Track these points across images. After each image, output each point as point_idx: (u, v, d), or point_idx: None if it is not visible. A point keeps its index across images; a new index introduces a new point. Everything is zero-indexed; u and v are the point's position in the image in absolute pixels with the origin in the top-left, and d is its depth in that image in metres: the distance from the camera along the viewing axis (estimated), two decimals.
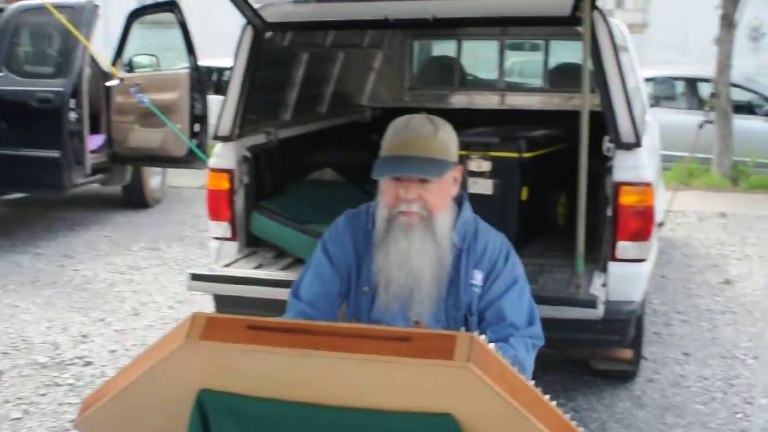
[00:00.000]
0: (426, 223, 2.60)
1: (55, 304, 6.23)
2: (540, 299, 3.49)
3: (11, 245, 7.89)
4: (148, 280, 6.89)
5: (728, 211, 9.71)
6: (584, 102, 3.67)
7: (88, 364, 5.10)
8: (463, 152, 4.36)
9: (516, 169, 4.36)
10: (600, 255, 3.95)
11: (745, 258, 7.66)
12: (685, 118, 12.22)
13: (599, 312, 3.55)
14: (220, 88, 13.74)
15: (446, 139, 2.63)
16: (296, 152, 5.06)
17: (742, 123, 12.15)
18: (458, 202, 2.79)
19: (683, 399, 4.59)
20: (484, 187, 4.34)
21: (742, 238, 8.44)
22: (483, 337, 1.89)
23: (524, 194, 4.40)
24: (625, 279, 3.91)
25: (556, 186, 4.79)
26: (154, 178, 9.79)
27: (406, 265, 2.60)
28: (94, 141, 8.37)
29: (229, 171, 4.27)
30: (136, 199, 9.53)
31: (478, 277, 2.70)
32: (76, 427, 2.30)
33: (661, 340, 5.48)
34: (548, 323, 3.58)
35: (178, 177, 10.63)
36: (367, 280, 2.70)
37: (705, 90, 12.94)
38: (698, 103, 13.08)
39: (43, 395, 4.63)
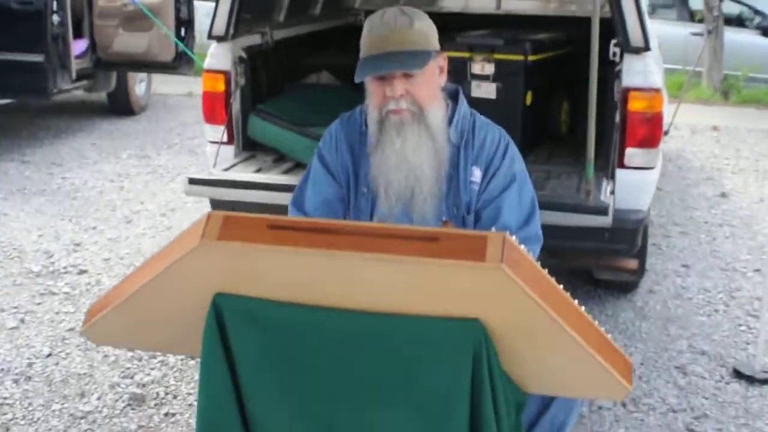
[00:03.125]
0: (418, 117, 2.51)
1: (45, 213, 6.11)
2: (549, 205, 3.46)
3: None
4: (138, 188, 6.76)
5: (720, 125, 9.62)
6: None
7: (83, 272, 5.01)
8: (467, 54, 4.25)
9: (520, 72, 4.22)
10: (607, 162, 3.85)
11: (740, 171, 7.60)
12: (674, 30, 12.08)
13: (609, 219, 3.47)
14: None
15: (424, 28, 2.53)
16: (292, 54, 4.90)
17: (732, 36, 12.00)
18: (453, 96, 2.70)
19: (685, 311, 4.57)
20: (487, 90, 4.20)
21: (735, 151, 8.38)
22: (515, 237, 1.80)
23: (528, 99, 4.27)
24: (633, 187, 3.83)
25: (559, 92, 4.66)
26: (140, 85, 9.58)
27: (403, 164, 2.52)
28: (77, 46, 8.13)
29: (224, 72, 4.12)
30: (121, 106, 9.32)
31: (476, 174, 2.62)
32: (82, 335, 2.21)
33: (661, 252, 5.43)
34: (555, 231, 3.53)
35: (162, 84, 10.42)
36: (366, 182, 2.63)
37: (694, 1, 12.73)
38: (689, 15, 12.89)
39: (38, 304, 4.55)
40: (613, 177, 3.83)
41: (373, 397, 1.92)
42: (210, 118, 4.18)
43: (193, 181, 3.81)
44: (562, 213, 3.47)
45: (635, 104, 3.76)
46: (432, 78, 2.55)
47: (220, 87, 4.12)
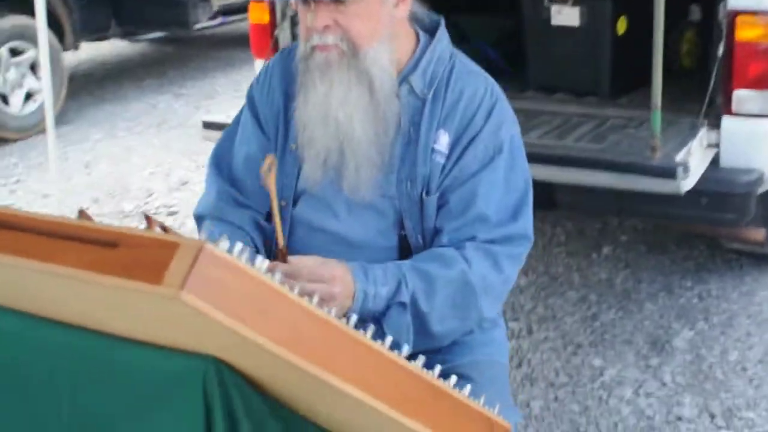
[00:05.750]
0: (348, 60, 1.82)
1: (171, 148, 5.93)
2: (597, 163, 2.74)
3: (157, 85, 7.67)
4: None
5: None
6: None
7: (172, 213, 4.77)
8: None
9: None
10: (710, 108, 3.01)
11: None
12: None
13: (679, 183, 2.66)
14: None
15: None
16: None
17: None
18: (430, 30, 1.99)
19: None
20: (569, 17, 3.37)
21: None
22: (224, 244, 1.18)
23: (621, 27, 3.41)
24: (744, 140, 2.98)
25: (678, 16, 3.73)
26: None
27: (330, 119, 1.85)
28: None
29: (269, 1, 3.61)
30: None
31: (443, 140, 1.89)
32: None
33: None
34: (623, 195, 2.81)
35: None
36: (295, 136, 1.98)
37: None
38: None
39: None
40: (717, 127, 2.99)
41: None
42: (258, 51, 3.70)
43: (208, 125, 3.36)
44: (617, 174, 2.70)
45: (746, 32, 2.89)
46: (375, 7, 1.83)
47: (266, 18, 3.62)
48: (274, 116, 2.03)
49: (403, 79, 1.89)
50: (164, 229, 1.29)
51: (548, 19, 3.40)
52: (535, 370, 3.23)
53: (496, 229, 1.85)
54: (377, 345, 1.28)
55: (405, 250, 1.90)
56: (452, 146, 1.88)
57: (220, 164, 2.10)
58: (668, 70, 3.73)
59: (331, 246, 1.91)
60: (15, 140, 6.14)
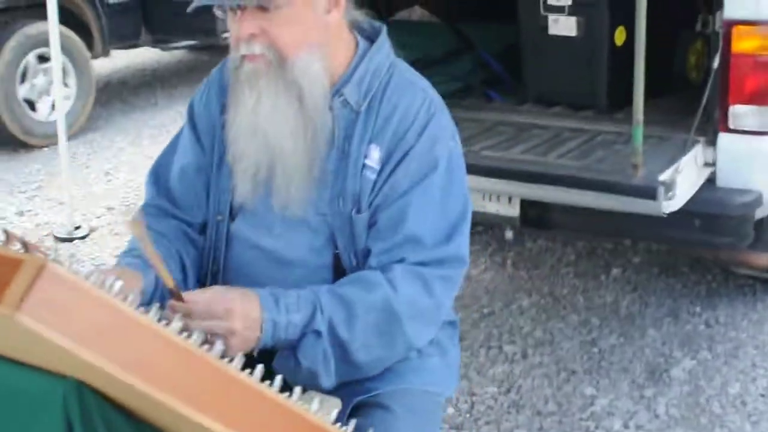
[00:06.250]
0: (276, 70, 1.74)
1: None
2: (576, 182, 2.64)
3: (188, 93, 7.66)
4: None
5: None
6: None
7: None
8: None
9: (603, 1, 3.25)
10: (708, 124, 2.89)
11: None
12: None
13: (660, 204, 2.54)
14: None
15: None
16: None
17: None
18: (372, 38, 1.88)
19: None
20: (566, 26, 3.24)
21: None
22: (72, 263, 1.13)
23: (619, 37, 3.29)
24: (741, 158, 2.86)
25: (684, 27, 3.58)
26: None
27: (259, 132, 1.77)
28: None
29: None
30: None
31: (374, 156, 1.78)
32: None
33: None
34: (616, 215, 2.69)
35: None
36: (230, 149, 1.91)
37: None
38: None
39: (117, 256, 4.31)
40: (713, 144, 2.87)
41: None
42: None
43: None
44: (596, 193, 2.60)
45: (742, 44, 2.78)
46: (304, 13, 1.74)
47: None
48: (210, 128, 1.95)
49: (337, 90, 1.81)
50: (25, 245, 1.24)
51: (545, 28, 3.29)
52: (524, 397, 3.11)
53: (428, 251, 1.74)
54: (241, 374, 1.21)
55: (339, 269, 1.81)
56: (384, 162, 1.78)
57: (158, 175, 2.03)
58: (673, 82, 3.64)
59: (264, 263, 1.84)
60: (41, 147, 6.18)
